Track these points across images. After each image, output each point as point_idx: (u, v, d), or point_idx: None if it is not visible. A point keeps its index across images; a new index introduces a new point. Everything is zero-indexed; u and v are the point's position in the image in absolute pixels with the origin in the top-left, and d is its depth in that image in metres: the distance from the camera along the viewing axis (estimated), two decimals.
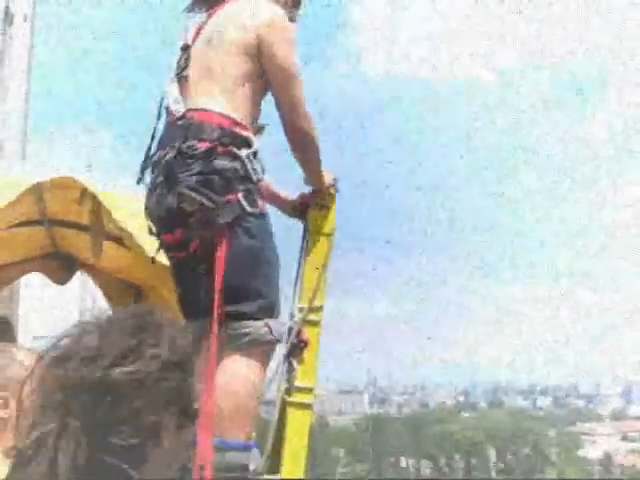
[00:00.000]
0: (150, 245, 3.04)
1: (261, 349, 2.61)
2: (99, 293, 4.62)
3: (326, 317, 3.06)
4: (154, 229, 2.76)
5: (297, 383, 2.95)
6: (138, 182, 2.79)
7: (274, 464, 2.93)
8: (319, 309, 3.02)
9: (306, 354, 2.95)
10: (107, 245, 3.68)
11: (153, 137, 2.79)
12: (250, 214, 2.59)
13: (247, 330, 2.57)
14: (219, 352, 2.57)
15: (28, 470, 2.56)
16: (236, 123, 2.66)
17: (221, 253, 2.56)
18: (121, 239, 3.51)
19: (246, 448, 2.53)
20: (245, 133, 2.66)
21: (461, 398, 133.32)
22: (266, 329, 2.58)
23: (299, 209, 3.13)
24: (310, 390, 2.98)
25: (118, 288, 4.35)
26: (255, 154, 2.68)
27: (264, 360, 2.64)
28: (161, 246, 2.79)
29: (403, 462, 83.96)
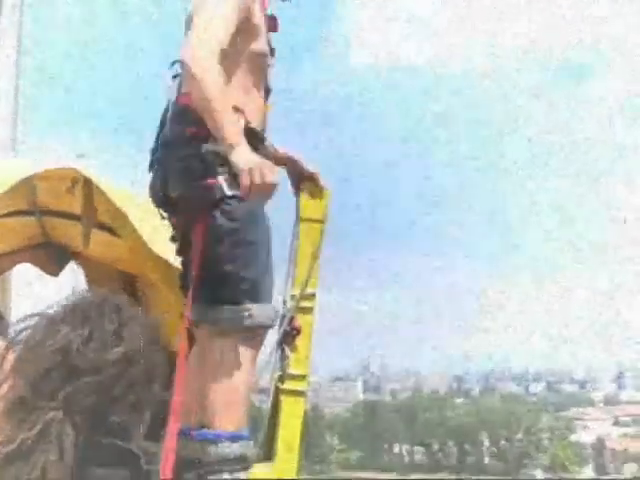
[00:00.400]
0: (148, 236, 3.05)
1: (242, 335, 2.56)
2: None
3: (318, 304, 3.06)
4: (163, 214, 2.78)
5: (290, 370, 2.96)
6: (150, 168, 2.76)
7: (268, 451, 2.94)
8: (312, 296, 3.02)
9: (299, 341, 2.96)
10: (100, 235, 3.67)
11: (163, 123, 2.75)
12: (232, 197, 2.54)
13: (225, 315, 2.54)
14: (207, 339, 2.59)
15: (32, 459, 2.61)
16: None
17: (197, 238, 2.57)
18: (114, 229, 3.51)
19: (233, 438, 2.48)
20: (238, 116, 2.59)
21: (454, 385, 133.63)
22: (245, 314, 2.54)
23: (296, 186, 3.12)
24: (303, 377, 2.99)
25: (111, 279, 4.34)
26: (251, 134, 2.59)
27: (247, 346, 2.58)
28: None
29: (397, 448, 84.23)
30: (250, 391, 2.59)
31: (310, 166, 3.10)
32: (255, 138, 2.66)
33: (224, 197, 2.54)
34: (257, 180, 2.33)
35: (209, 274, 2.55)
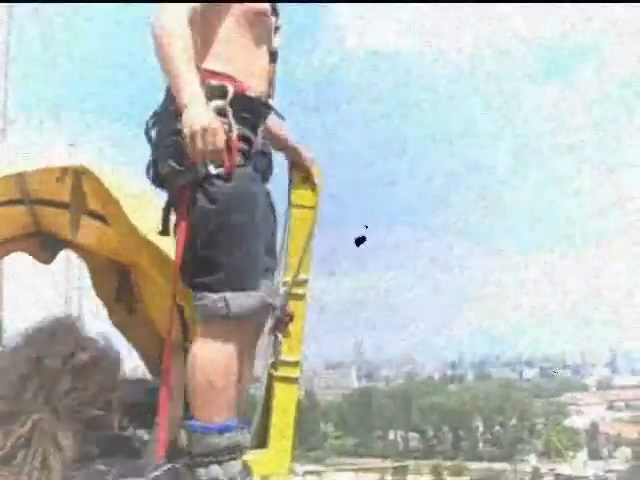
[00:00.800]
0: (141, 224, 3.02)
1: (222, 324, 2.43)
2: (85, 273, 4.61)
3: (311, 292, 3.05)
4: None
5: (283, 357, 2.95)
6: (148, 138, 2.60)
7: (262, 438, 2.94)
8: (304, 282, 3.01)
9: (291, 328, 2.95)
10: (91, 223, 3.65)
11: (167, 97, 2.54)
12: (215, 176, 2.38)
13: (203, 303, 2.43)
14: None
15: (15, 463, 2.74)
16: (212, 73, 2.46)
17: (180, 219, 2.46)
18: (106, 217, 3.49)
19: (221, 430, 2.40)
20: (215, 82, 2.43)
21: (448, 371, 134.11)
22: (222, 304, 2.40)
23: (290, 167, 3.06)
24: (296, 363, 2.98)
25: (104, 267, 4.33)
26: (238, 103, 2.43)
27: (228, 337, 2.43)
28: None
29: (391, 435, 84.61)
30: (235, 382, 2.45)
31: (308, 153, 3.02)
32: (259, 108, 2.55)
33: (208, 176, 2.38)
34: (199, 145, 2.19)
35: (189, 259, 2.44)
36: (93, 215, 3.62)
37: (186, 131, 2.20)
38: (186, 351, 2.57)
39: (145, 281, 3.84)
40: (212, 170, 2.37)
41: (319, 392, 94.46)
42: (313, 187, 3.04)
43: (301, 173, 3.03)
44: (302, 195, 3.03)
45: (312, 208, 3.03)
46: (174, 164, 2.40)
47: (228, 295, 2.41)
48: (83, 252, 4.25)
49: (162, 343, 2.81)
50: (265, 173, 2.65)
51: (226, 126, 2.34)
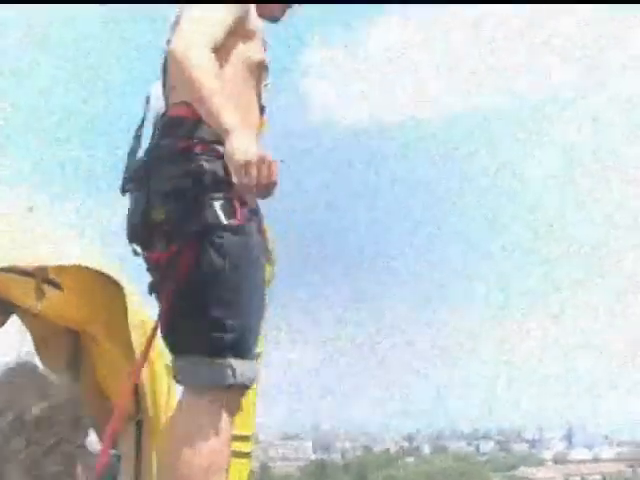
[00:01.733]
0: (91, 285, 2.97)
1: (223, 394, 2.22)
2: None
3: (269, 363, 3.03)
4: (137, 248, 2.37)
5: (234, 431, 2.90)
6: (122, 191, 2.38)
7: None
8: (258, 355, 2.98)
9: (243, 400, 2.90)
10: (47, 290, 3.61)
11: (139, 137, 2.41)
12: (225, 227, 2.16)
13: (204, 369, 2.19)
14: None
15: None
16: None
17: (180, 271, 2.19)
18: (59, 284, 3.45)
19: None
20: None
21: (405, 444, 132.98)
22: (229, 371, 2.18)
23: None
24: (247, 438, 2.93)
25: (54, 334, 4.26)
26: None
27: (228, 407, 2.24)
28: (147, 269, 2.40)
29: None
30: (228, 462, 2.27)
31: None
32: None
33: (218, 226, 2.16)
34: (253, 176, 1.96)
35: (188, 317, 2.20)
36: (51, 282, 3.58)
37: (238, 159, 1.97)
38: (138, 423, 2.51)
39: (97, 348, 3.78)
40: (223, 220, 2.15)
41: (274, 464, 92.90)
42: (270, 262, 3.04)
43: None
44: None
45: (268, 282, 3.01)
46: (177, 210, 2.17)
47: (233, 362, 2.19)
48: (34, 319, 4.18)
49: (112, 413, 2.75)
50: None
51: None
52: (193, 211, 2.15)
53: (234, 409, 2.28)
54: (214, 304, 2.18)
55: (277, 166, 2.00)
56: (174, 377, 2.33)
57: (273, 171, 1.99)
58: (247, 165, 1.96)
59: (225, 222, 2.15)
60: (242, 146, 1.99)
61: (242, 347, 2.22)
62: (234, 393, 2.26)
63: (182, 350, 2.27)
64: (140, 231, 2.30)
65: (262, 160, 1.97)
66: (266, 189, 2.02)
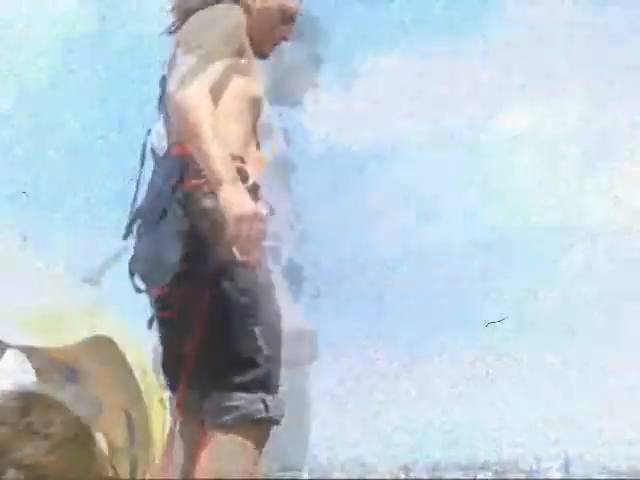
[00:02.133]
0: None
1: (255, 429, 2.18)
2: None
3: None
4: (141, 286, 2.31)
5: None
6: (125, 237, 2.36)
7: None
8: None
9: None
10: None
11: (138, 183, 2.40)
12: (240, 265, 2.14)
13: (237, 404, 2.15)
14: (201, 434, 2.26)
15: None
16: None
17: (203, 309, 2.16)
18: None
19: None
20: (237, 164, 2.18)
21: (402, 474, 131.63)
22: (261, 406, 2.15)
23: None
24: None
25: (52, 366, 4.28)
26: (255, 188, 2.22)
27: (259, 443, 2.20)
28: (150, 304, 2.35)
29: None
30: None
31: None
32: (257, 195, 2.27)
33: (234, 263, 2.14)
34: (245, 230, 2.01)
35: (218, 354, 2.18)
36: None
37: (233, 212, 2.01)
38: (134, 459, 2.47)
39: (91, 382, 3.80)
40: (238, 256, 2.11)
41: None
42: None
43: None
44: None
45: None
46: (190, 251, 2.14)
47: (265, 397, 2.17)
48: (32, 351, 4.21)
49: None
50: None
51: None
52: (208, 250, 2.15)
53: (263, 444, 2.24)
54: (243, 340, 2.18)
55: (266, 221, 2.06)
56: (203, 416, 2.26)
57: (263, 227, 2.05)
58: (241, 218, 2.01)
59: (240, 258, 2.13)
60: (237, 199, 2.04)
61: (270, 381, 2.22)
62: (264, 428, 2.22)
63: (213, 388, 2.22)
64: (151, 272, 2.27)
65: (255, 214, 2.03)
66: (253, 242, 2.06)
